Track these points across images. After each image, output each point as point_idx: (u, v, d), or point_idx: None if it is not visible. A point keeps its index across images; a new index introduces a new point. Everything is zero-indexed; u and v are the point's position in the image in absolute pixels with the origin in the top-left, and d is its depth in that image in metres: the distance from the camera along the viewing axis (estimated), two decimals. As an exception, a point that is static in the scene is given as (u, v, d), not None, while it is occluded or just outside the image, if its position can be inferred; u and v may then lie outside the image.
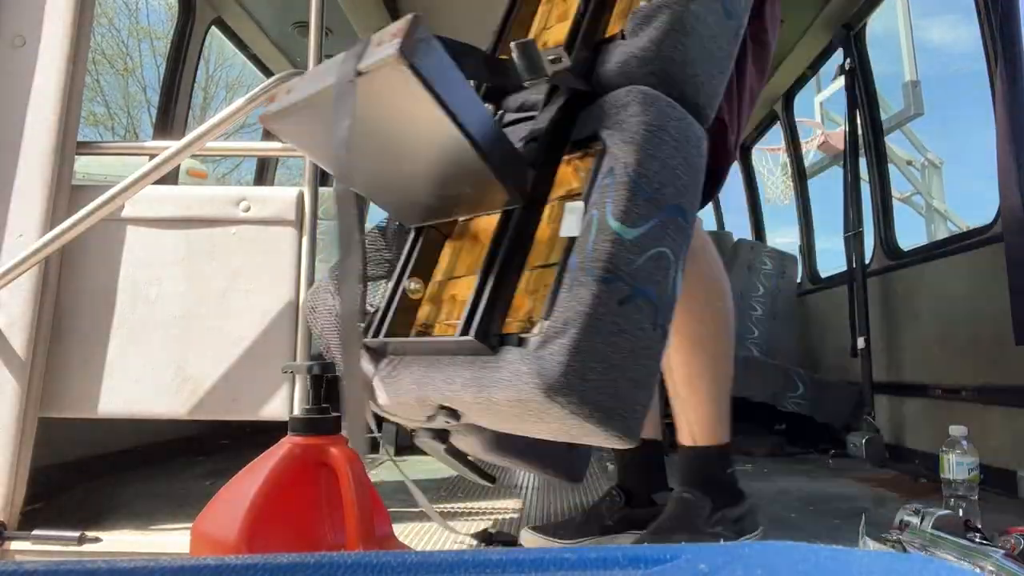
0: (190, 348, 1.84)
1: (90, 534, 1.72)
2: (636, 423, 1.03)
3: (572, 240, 1.02)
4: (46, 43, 1.84)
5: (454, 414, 1.16)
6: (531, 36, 1.43)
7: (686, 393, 1.63)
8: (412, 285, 1.23)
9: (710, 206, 6.63)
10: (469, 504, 2.29)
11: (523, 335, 1.02)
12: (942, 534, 1.48)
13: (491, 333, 1.05)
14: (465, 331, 1.04)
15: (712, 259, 1.66)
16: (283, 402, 1.81)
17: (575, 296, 0.98)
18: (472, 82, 1.31)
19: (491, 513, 2.16)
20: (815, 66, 4.21)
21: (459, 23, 4.66)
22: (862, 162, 3.54)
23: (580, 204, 1.04)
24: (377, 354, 1.24)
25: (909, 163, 10.55)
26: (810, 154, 9.24)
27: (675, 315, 1.16)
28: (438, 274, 1.26)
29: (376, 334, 1.22)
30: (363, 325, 1.26)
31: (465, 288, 1.14)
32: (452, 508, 2.22)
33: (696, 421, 1.64)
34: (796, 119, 4.75)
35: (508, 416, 1.08)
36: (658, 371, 1.09)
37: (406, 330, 1.22)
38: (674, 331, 1.27)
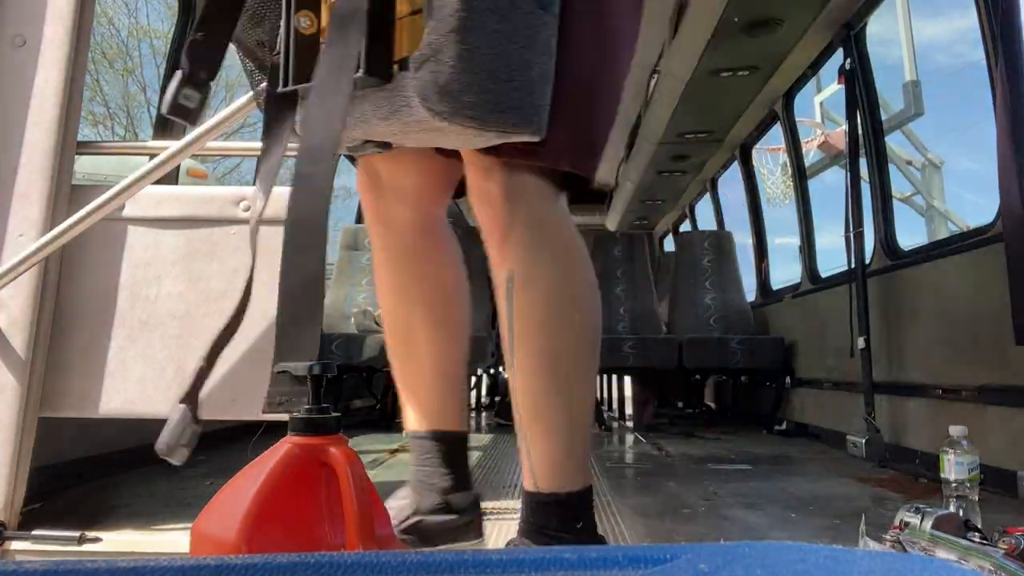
0: (190, 348, 1.84)
1: (90, 534, 1.72)
2: (538, 117, 1.06)
3: None
4: (46, 43, 1.84)
5: (382, 145, 1.20)
6: None
7: (529, 421, 1.26)
8: (303, 21, 1.13)
9: (709, 207, 6.63)
10: (469, 504, 2.28)
11: (408, 56, 1.03)
12: (942, 534, 1.48)
13: (382, 62, 1.03)
14: (358, 67, 1.02)
15: (579, 259, 1.29)
16: (283, 402, 1.81)
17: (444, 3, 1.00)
18: None
19: (492, 513, 2.16)
20: (815, 66, 4.21)
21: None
22: (862, 162, 3.54)
23: None
24: (291, 102, 1.14)
25: (909, 163, 10.55)
26: (810, 154, 9.24)
27: (522, 324, 1.19)
28: (325, 7, 1.15)
29: (285, 82, 1.12)
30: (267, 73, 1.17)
31: None
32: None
33: (539, 459, 1.25)
34: (796, 119, 4.76)
35: (423, 136, 1.12)
36: (551, 63, 1.09)
37: (310, 72, 1.11)
38: (519, 344, 1.22)
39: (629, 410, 5.19)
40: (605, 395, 6.19)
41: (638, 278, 5.21)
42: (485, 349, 4.20)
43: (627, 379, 5.25)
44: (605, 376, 5.77)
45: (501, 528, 1.97)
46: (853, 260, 3.46)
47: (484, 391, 6.98)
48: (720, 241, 5.36)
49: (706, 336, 4.79)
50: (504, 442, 4.08)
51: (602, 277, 4.32)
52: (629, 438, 4.31)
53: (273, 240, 1.88)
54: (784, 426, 4.57)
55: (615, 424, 5.18)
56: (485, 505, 2.27)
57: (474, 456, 3.41)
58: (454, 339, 1.52)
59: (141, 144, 2.22)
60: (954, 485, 1.84)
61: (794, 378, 4.52)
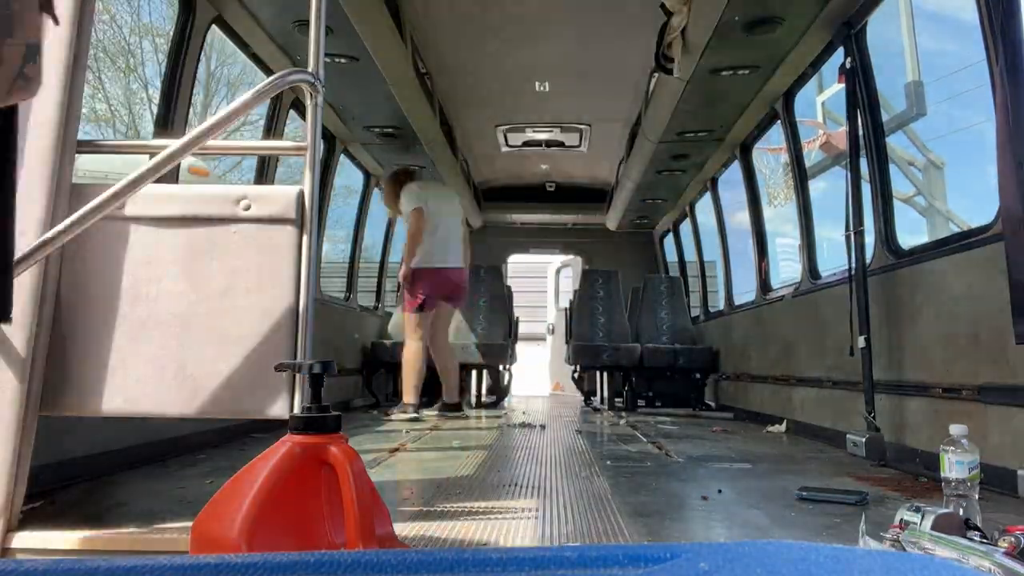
0: (190, 347, 1.84)
1: (89, 532, 1.72)
2: None
3: None
4: (47, 41, 1.83)
5: None
6: None
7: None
8: None
9: (710, 206, 6.63)
10: (469, 504, 2.29)
11: None
12: (942, 533, 1.48)
13: None
14: None
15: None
16: (283, 401, 1.81)
17: None
18: None
19: (492, 513, 2.16)
20: (816, 65, 4.20)
21: (458, 23, 4.65)
22: (863, 162, 3.54)
23: None
24: None
25: (911, 164, 10.53)
26: (812, 154, 9.21)
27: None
28: None
29: None
30: None
31: None
32: (452, 508, 2.22)
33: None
34: (797, 119, 4.75)
35: None
36: None
37: None
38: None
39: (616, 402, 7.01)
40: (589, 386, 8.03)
41: (612, 303, 7.25)
42: (504, 353, 6.56)
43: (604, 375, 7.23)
44: (589, 372, 7.51)
45: (501, 528, 1.97)
46: (854, 259, 3.46)
47: (484, 390, 7.03)
48: (673, 282, 7.52)
49: (659, 345, 6.80)
50: (502, 443, 4.08)
51: (589, 299, 7.16)
52: (613, 418, 5.57)
53: (273, 239, 1.88)
54: (713, 405, 6.51)
55: (603, 406, 7.04)
56: (486, 504, 2.27)
57: (477, 455, 3.41)
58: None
59: (142, 142, 2.22)
60: (954, 484, 1.84)
61: (719, 374, 6.44)
